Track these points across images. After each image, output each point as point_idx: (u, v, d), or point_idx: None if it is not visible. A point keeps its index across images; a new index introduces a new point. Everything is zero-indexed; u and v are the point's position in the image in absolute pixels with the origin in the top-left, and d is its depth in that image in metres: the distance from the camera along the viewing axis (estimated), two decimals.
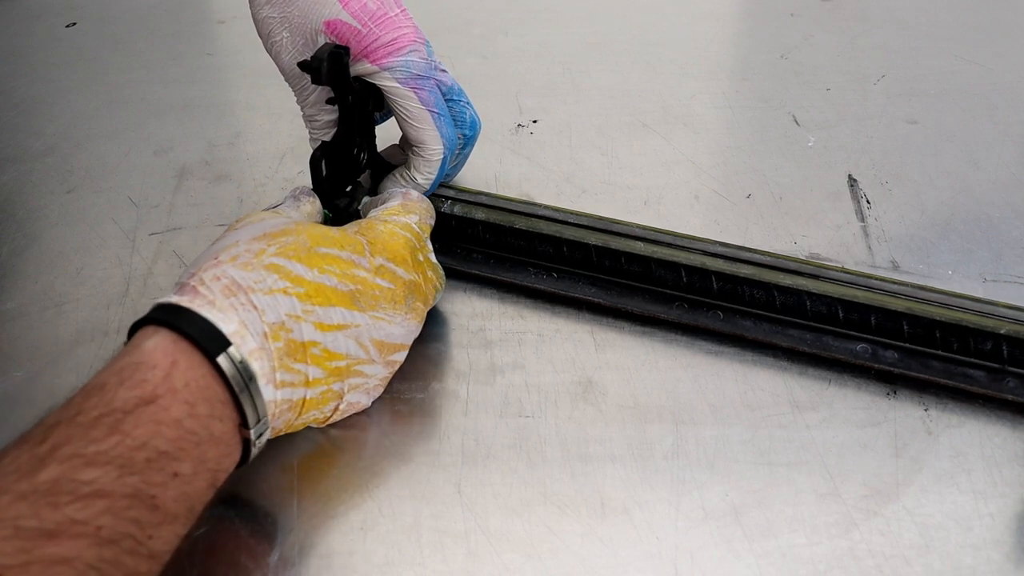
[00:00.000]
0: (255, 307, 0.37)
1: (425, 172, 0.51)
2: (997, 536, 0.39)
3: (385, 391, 0.46)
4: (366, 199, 0.52)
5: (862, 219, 0.58)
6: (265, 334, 0.37)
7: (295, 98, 0.51)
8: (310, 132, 0.52)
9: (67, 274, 0.55)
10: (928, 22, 0.82)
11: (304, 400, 0.40)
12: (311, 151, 0.50)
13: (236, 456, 0.37)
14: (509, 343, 0.49)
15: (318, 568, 0.39)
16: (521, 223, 0.52)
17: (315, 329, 0.39)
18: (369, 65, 0.48)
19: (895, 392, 0.46)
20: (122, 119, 0.71)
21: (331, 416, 0.43)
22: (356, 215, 0.51)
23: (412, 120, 0.49)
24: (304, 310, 0.39)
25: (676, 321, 0.49)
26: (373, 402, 0.45)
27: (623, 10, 0.86)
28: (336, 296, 0.40)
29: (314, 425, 0.43)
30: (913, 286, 0.48)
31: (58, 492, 0.30)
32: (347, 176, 0.52)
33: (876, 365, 0.46)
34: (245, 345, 0.37)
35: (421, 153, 0.50)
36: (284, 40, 0.49)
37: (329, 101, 0.49)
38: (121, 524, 0.31)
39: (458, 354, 0.48)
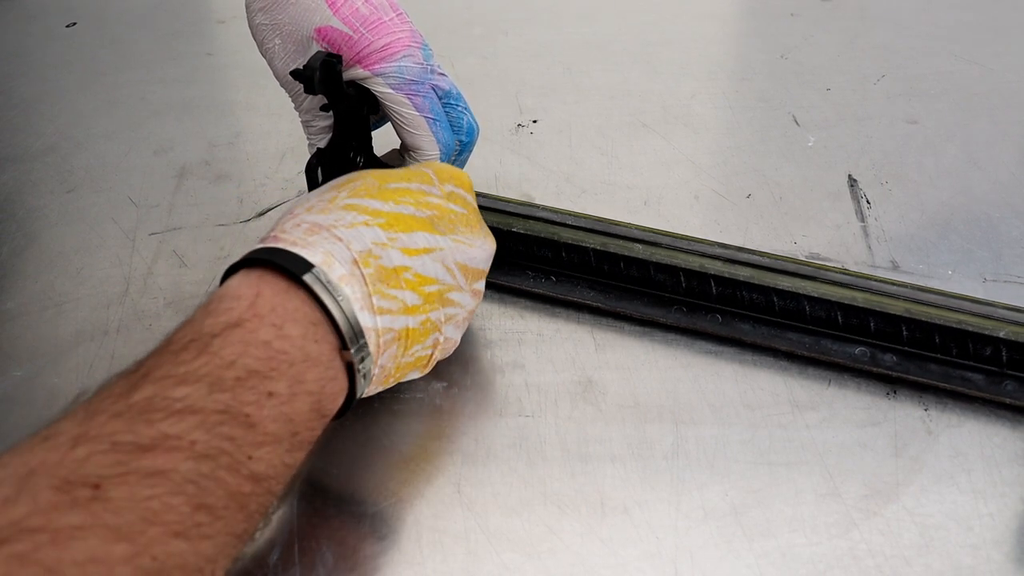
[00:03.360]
0: (339, 239, 0.38)
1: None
2: (997, 536, 0.39)
3: (385, 391, 0.46)
4: None
5: (862, 219, 0.58)
6: (354, 261, 0.37)
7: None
8: (307, 137, 0.52)
9: (67, 274, 0.55)
10: (928, 22, 0.82)
11: (407, 331, 0.39)
12: (309, 154, 0.50)
13: (341, 383, 0.37)
14: (509, 343, 0.49)
15: (318, 568, 0.39)
16: (519, 226, 0.52)
17: (403, 254, 0.39)
18: (362, 71, 0.48)
19: (895, 392, 0.46)
20: (122, 119, 0.71)
21: (432, 357, 0.42)
22: None
23: (407, 125, 0.49)
24: (389, 237, 0.39)
25: (675, 325, 0.49)
26: (374, 402, 0.45)
27: (623, 10, 0.86)
28: (416, 222, 0.41)
29: (416, 375, 0.43)
30: (913, 287, 0.48)
31: (152, 409, 0.31)
32: None
33: (875, 369, 0.46)
34: (333, 271, 0.36)
35: (417, 158, 0.50)
36: (276, 47, 0.49)
37: (323, 108, 0.49)
38: (215, 440, 0.31)
39: (458, 354, 0.48)
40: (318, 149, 0.50)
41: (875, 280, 0.49)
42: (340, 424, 0.44)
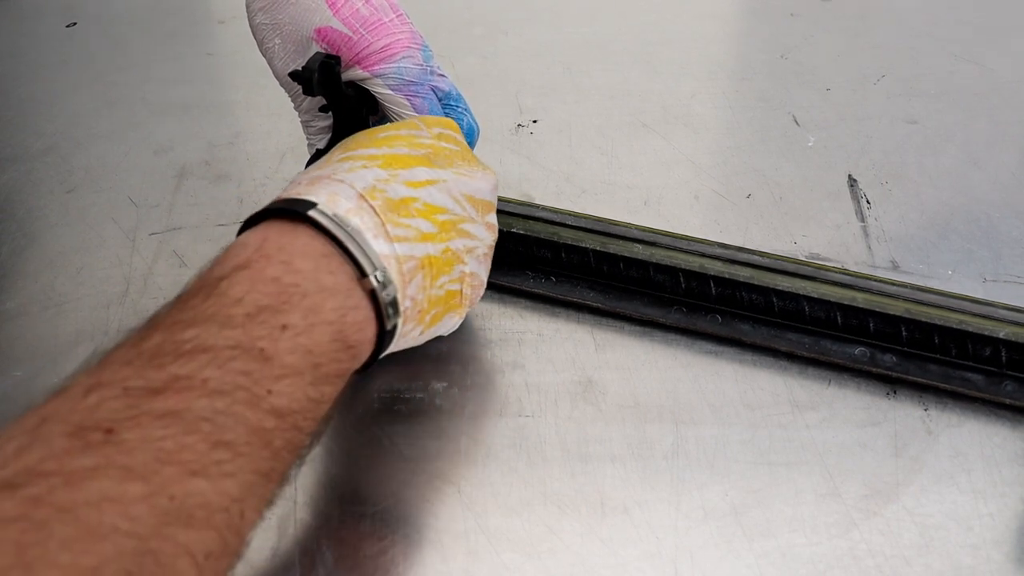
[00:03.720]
0: (341, 181, 0.38)
1: None
2: (997, 536, 0.39)
3: (385, 391, 0.46)
4: None
5: (862, 219, 0.58)
6: (360, 196, 0.37)
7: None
8: (307, 137, 0.52)
9: (67, 274, 0.55)
10: (928, 22, 0.82)
11: (429, 258, 0.39)
12: (309, 155, 0.50)
13: (365, 311, 0.36)
14: (509, 343, 0.49)
15: (318, 568, 0.39)
16: (519, 226, 0.52)
17: (407, 187, 0.39)
18: (361, 71, 0.48)
19: (895, 392, 0.46)
20: (122, 119, 0.71)
21: (462, 294, 0.42)
22: None
23: None
24: (390, 174, 0.39)
25: (675, 325, 0.49)
26: (374, 402, 0.45)
27: (623, 10, 0.86)
28: (413, 159, 0.41)
29: (455, 322, 0.43)
30: (912, 287, 0.48)
31: (161, 354, 0.30)
32: None
33: (875, 369, 0.46)
34: (339, 206, 0.36)
35: None
36: (276, 47, 0.49)
37: (322, 109, 0.49)
38: (228, 375, 0.31)
39: (458, 353, 0.48)
40: (317, 150, 0.50)
41: (875, 280, 0.49)
42: (340, 424, 0.44)
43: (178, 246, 0.57)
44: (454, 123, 0.46)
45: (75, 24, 0.86)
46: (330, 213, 0.36)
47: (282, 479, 0.33)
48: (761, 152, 0.65)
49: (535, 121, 0.69)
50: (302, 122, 0.51)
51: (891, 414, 0.45)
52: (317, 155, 0.50)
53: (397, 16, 0.49)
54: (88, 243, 0.58)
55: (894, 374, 0.46)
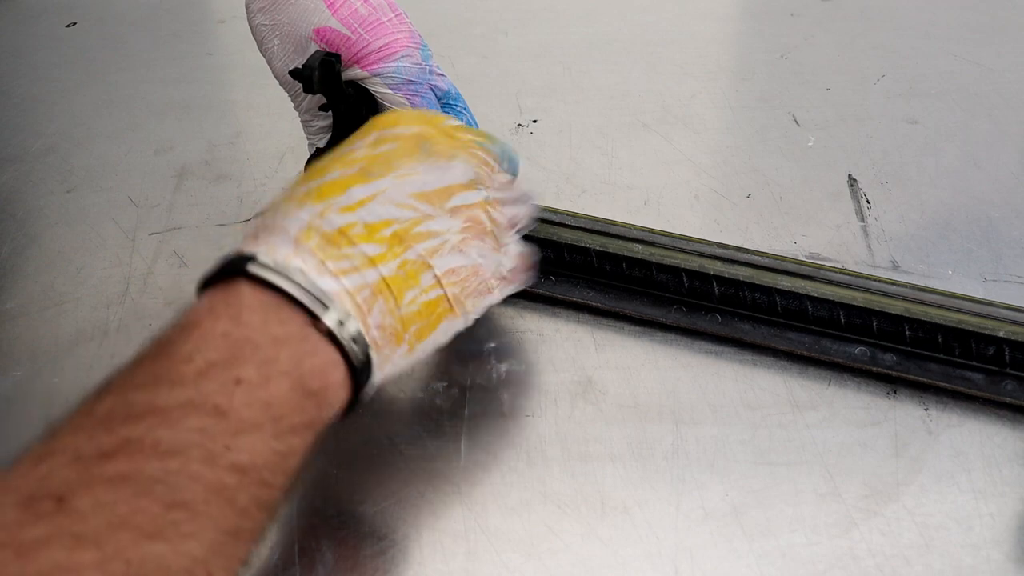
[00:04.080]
0: (280, 229, 0.37)
1: None
2: (997, 536, 0.39)
3: (385, 390, 0.46)
4: None
5: (862, 219, 0.58)
6: (295, 240, 0.36)
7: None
8: (307, 136, 0.52)
9: (67, 274, 0.55)
10: (928, 22, 0.82)
11: (384, 281, 0.37)
12: (309, 154, 0.50)
13: (326, 355, 0.35)
14: (509, 342, 0.49)
15: (318, 568, 0.39)
16: None
17: (342, 214, 0.37)
18: (360, 71, 0.48)
19: (895, 392, 0.46)
20: (122, 119, 0.71)
21: (445, 297, 0.39)
22: None
23: None
24: (324, 205, 0.37)
25: (675, 325, 0.49)
26: (374, 402, 0.44)
27: (623, 10, 0.86)
28: (345, 180, 0.38)
29: (458, 325, 0.41)
30: (912, 287, 0.48)
31: (112, 418, 0.30)
32: None
33: (874, 368, 0.46)
34: (277, 254, 0.35)
35: None
36: (275, 47, 0.49)
37: (322, 108, 0.49)
38: (181, 434, 0.30)
39: (458, 353, 0.48)
40: (317, 149, 0.50)
41: (875, 280, 0.49)
42: (340, 424, 0.44)
43: (178, 246, 0.57)
44: (399, 116, 0.43)
45: (75, 24, 0.86)
46: (270, 263, 0.35)
47: (255, 537, 0.32)
48: (761, 152, 0.65)
49: (535, 121, 0.69)
50: (302, 121, 0.51)
51: (891, 414, 0.45)
52: (317, 154, 0.50)
53: (396, 16, 0.49)
54: (88, 243, 0.58)
55: (894, 373, 0.46)
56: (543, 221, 0.53)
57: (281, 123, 0.69)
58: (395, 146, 0.40)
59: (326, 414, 0.35)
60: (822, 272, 0.49)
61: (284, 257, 0.35)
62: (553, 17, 0.84)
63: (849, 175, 0.62)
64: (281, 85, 0.50)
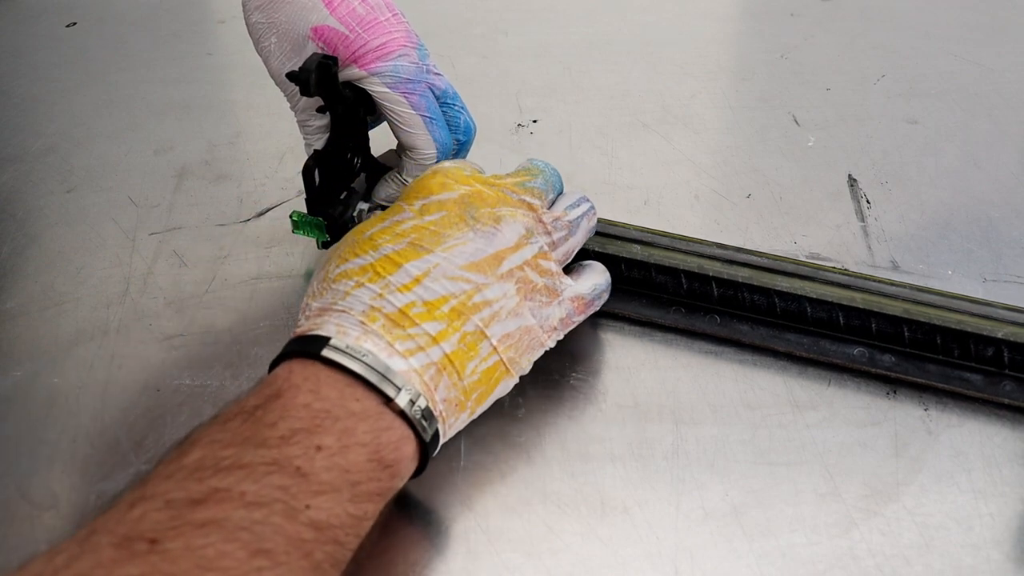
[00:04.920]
0: (342, 311, 0.39)
1: (414, 173, 0.51)
2: (997, 536, 0.39)
3: None
4: (361, 204, 0.52)
5: (862, 219, 0.58)
6: (361, 323, 0.38)
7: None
8: (304, 137, 0.52)
9: (67, 274, 0.55)
10: (928, 22, 0.82)
11: (447, 357, 0.39)
12: (306, 155, 0.50)
13: (400, 431, 0.37)
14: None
15: None
16: None
17: (400, 293, 0.39)
18: (357, 70, 0.48)
19: (895, 392, 0.46)
20: (122, 119, 0.71)
21: (503, 361, 0.41)
22: (352, 222, 0.51)
23: (403, 125, 0.49)
24: (382, 286, 0.39)
25: (674, 325, 0.49)
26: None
27: (623, 10, 0.86)
28: (398, 256, 0.41)
29: (512, 381, 0.42)
30: (912, 287, 0.48)
31: (201, 468, 0.32)
32: (341, 183, 0.52)
33: (874, 369, 0.46)
34: (348, 337, 0.38)
35: (414, 157, 0.50)
36: (272, 46, 0.49)
37: (320, 109, 0.49)
38: (265, 489, 0.32)
39: None
40: (315, 151, 0.50)
41: (874, 280, 0.49)
42: None
43: (178, 246, 0.57)
44: (433, 180, 0.44)
45: (75, 24, 0.86)
46: (343, 346, 0.37)
47: None
48: (761, 152, 0.65)
49: (535, 121, 0.69)
50: (298, 121, 0.51)
51: (891, 414, 0.45)
52: (316, 155, 0.50)
53: (393, 15, 0.49)
54: (88, 243, 0.58)
55: (893, 374, 0.46)
56: None
57: (281, 123, 0.69)
58: (442, 215, 0.42)
59: (398, 483, 0.37)
60: (821, 273, 0.49)
61: (355, 340, 0.38)
62: (553, 17, 0.84)
63: (849, 175, 0.62)
64: (277, 84, 0.50)
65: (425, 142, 0.50)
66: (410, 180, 0.51)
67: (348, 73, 0.48)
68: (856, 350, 0.47)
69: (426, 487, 0.42)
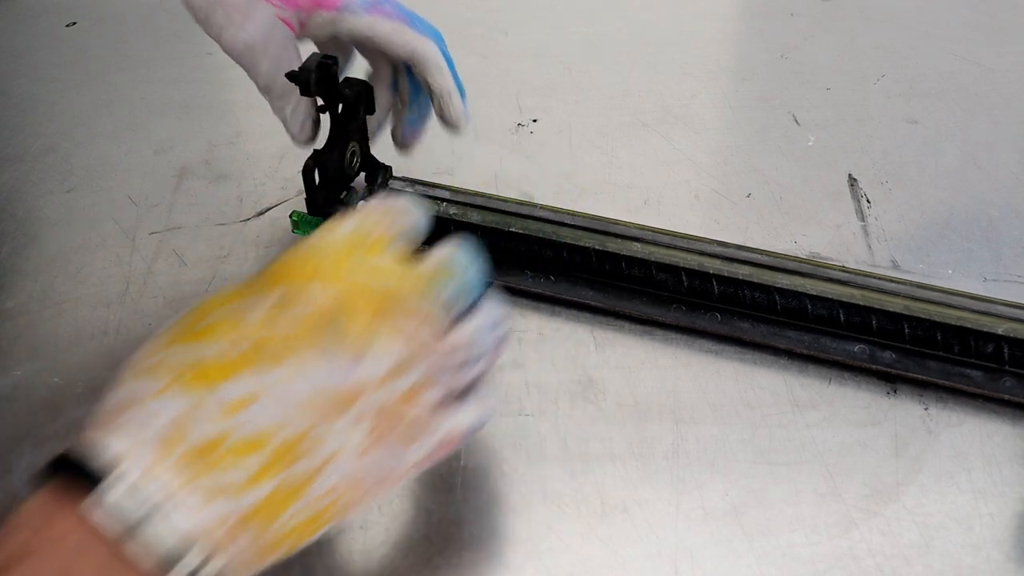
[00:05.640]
0: (142, 423, 0.30)
1: (437, 75, 0.49)
2: (997, 536, 0.39)
3: None
4: (361, 204, 0.52)
5: (862, 219, 0.58)
6: (159, 443, 0.30)
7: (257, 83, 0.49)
8: (273, 112, 0.50)
9: (67, 273, 0.55)
10: (928, 22, 0.82)
11: (258, 505, 0.30)
12: (302, 150, 0.50)
13: None
14: (509, 342, 0.49)
15: (318, 568, 0.39)
16: (517, 225, 0.52)
17: (218, 417, 0.30)
18: (326, 14, 0.47)
19: (895, 391, 0.46)
20: (122, 119, 0.71)
21: (335, 506, 0.32)
22: None
23: (395, 39, 0.48)
24: (194, 403, 0.30)
25: (675, 324, 0.49)
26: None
27: (623, 10, 0.86)
28: (228, 366, 0.31)
29: (336, 521, 0.33)
30: (912, 284, 0.48)
31: None
32: (341, 183, 0.52)
33: (874, 366, 0.46)
34: (136, 464, 0.29)
35: (421, 62, 0.49)
36: (219, 18, 0.45)
37: (320, 109, 0.49)
38: None
39: None
40: (314, 151, 0.50)
41: (874, 277, 0.49)
42: None
43: (178, 245, 0.57)
44: (305, 267, 0.34)
45: (75, 24, 0.86)
46: (127, 485, 0.28)
47: None
48: (761, 152, 0.65)
49: (535, 121, 0.69)
50: (260, 88, 0.49)
51: (891, 413, 0.45)
52: (315, 155, 0.50)
53: None
54: (88, 243, 0.58)
55: (894, 371, 0.46)
56: (543, 220, 0.53)
57: (281, 123, 0.69)
58: (300, 319, 0.32)
59: None
60: (821, 270, 0.49)
61: (144, 472, 0.29)
62: (553, 17, 0.84)
63: (849, 175, 0.62)
64: (234, 59, 0.47)
65: (420, 40, 0.48)
66: (433, 82, 0.49)
67: (321, 26, 0.47)
68: (857, 347, 0.47)
69: (426, 487, 0.42)
